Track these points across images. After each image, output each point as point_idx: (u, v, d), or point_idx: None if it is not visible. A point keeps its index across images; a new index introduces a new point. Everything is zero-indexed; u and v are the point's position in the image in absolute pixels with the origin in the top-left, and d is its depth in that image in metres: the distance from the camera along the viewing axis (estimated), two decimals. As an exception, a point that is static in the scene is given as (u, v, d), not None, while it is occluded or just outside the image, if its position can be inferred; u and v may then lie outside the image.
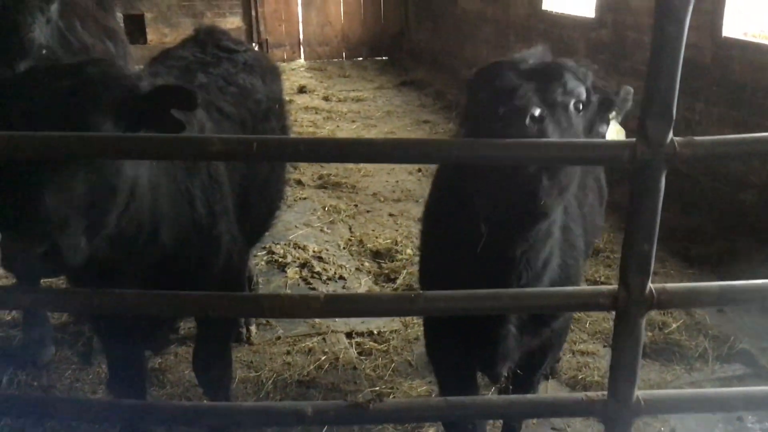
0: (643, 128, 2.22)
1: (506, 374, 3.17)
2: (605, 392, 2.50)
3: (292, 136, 5.59)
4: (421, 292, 2.48)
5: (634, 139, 2.24)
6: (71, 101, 2.43)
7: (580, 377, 4.39)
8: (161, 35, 13.76)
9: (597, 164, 3.09)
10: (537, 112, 2.24)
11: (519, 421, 3.57)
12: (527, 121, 2.21)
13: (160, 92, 2.57)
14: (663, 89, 2.18)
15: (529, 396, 2.98)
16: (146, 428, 3.70)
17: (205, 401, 4.00)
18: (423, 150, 2.36)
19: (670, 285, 2.44)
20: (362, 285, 5.50)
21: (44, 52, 3.74)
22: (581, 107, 2.50)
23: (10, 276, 4.46)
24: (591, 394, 2.52)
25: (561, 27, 9.53)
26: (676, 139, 2.22)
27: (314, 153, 2.27)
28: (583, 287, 3.02)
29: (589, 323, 4.97)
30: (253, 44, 14.00)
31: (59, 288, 2.52)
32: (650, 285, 2.37)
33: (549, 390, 4.28)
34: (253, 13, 14.54)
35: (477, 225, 2.45)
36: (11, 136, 2.26)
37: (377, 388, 4.32)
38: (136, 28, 13.88)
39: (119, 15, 8.70)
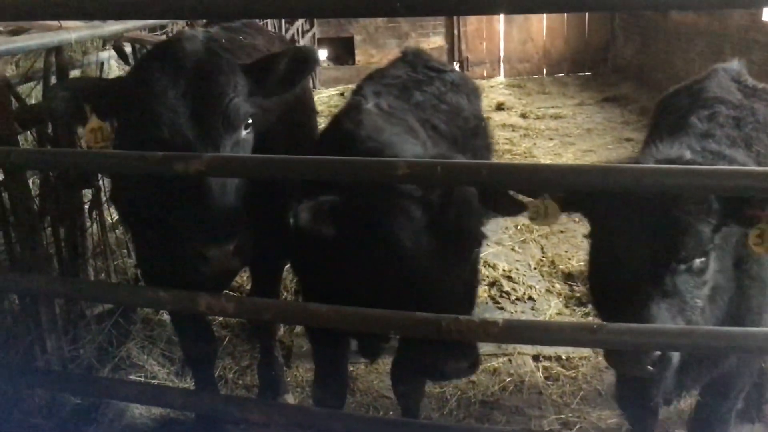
0: None
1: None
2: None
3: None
4: (604, 323, 2.40)
5: None
6: None
7: (792, 421, 4.00)
8: (368, 56, 14.48)
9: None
10: None
11: None
12: None
13: None
14: None
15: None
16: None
17: (391, 412, 4.14)
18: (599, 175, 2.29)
19: None
20: (552, 307, 5.38)
21: (250, 121, 2.91)
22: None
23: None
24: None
25: (784, 39, 8.74)
26: None
27: (495, 178, 2.29)
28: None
29: (806, 365, 4.51)
30: (454, 63, 14.28)
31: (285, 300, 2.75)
32: None
33: (755, 435, 3.94)
34: (456, 32, 14.84)
35: None
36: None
37: (563, 416, 4.21)
38: (345, 50, 14.73)
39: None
